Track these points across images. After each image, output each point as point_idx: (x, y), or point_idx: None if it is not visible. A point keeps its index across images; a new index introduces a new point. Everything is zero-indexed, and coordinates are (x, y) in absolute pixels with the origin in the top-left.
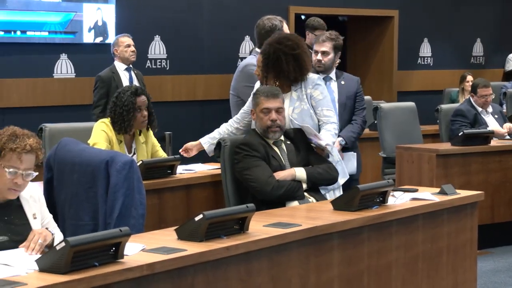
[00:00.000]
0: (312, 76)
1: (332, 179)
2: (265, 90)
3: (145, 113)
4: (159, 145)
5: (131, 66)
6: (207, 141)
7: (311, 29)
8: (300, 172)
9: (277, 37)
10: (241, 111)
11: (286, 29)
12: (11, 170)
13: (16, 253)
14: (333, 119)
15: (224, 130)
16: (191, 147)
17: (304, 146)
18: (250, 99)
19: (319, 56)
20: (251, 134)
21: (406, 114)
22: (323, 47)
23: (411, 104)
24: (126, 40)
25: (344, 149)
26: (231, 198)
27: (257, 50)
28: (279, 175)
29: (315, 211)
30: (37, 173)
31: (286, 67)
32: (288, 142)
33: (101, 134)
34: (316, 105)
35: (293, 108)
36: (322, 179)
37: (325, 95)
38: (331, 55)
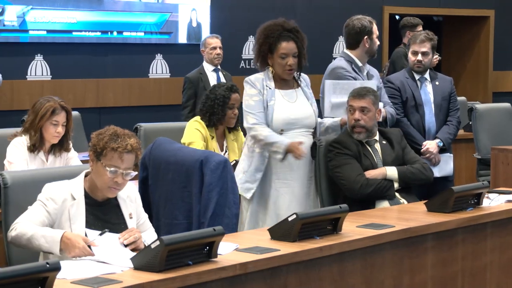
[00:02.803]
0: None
1: (426, 179)
2: (354, 90)
3: (237, 111)
4: None
5: (219, 67)
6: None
7: (410, 28)
8: (391, 172)
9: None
10: None
11: (375, 29)
12: (112, 169)
13: (111, 240)
14: None
15: None
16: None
17: (400, 146)
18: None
19: (420, 57)
20: (344, 133)
21: (501, 115)
22: (423, 48)
23: (507, 105)
24: (213, 42)
25: (440, 150)
26: (325, 197)
27: (346, 51)
28: (370, 173)
29: (408, 212)
30: (136, 173)
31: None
32: (384, 142)
33: (195, 133)
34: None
35: (311, 103)
36: (415, 179)
37: None
38: (430, 56)
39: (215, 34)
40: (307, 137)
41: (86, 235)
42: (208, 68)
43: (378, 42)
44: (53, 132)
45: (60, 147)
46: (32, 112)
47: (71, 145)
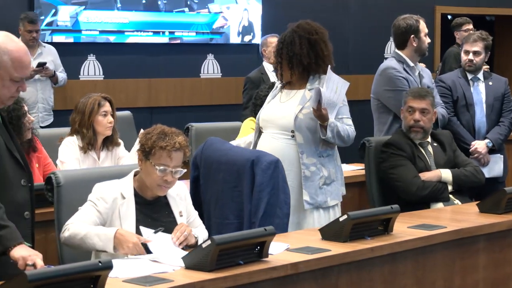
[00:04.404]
0: None
1: (478, 182)
2: (414, 90)
3: None
4: None
5: None
6: None
7: (457, 27)
8: (446, 174)
9: (298, 22)
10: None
11: (423, 27)
12: (161, 167)
13: (164, 239)
14: (352, 126)
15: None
16: None
17: (451, 149)
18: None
19: (471, 56)
20: (397, 134)
21: None
22: (474, 47)
23: None
24: (275, 40)
25: (490, 151)
26: (376, 198)
27: (397, 51)
28: (425, 175)
29: (460, 213)
30: (185, 170)
31: (299, 50)
32: (435, 144)
33: (250, 132)
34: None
35: (302, 108)
36: (468, 182)
37: (346, 102)
38: (482, 55)
39: (274, 34)
40: (279, 140)
41: (140, 233)
42: (268, 68)
43: (428, 40)
44: (106, 123)
45: (111, 140)
46: (78, 113)
47: (118, 134)
